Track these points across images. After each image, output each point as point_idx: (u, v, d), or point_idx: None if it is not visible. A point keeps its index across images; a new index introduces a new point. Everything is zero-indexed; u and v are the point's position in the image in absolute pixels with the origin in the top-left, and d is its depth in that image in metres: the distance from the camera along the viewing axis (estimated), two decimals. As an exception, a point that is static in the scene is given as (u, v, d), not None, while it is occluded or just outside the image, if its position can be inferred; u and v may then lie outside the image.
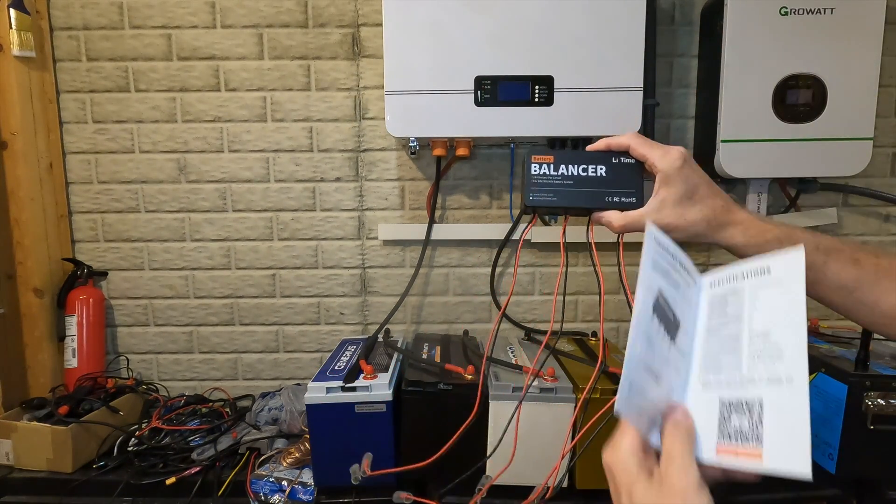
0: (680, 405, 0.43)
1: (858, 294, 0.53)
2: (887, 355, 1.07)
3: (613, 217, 0.60)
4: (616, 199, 0.61)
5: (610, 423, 0.96)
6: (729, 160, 1.21)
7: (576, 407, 0.97)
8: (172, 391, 1.42)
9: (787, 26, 1.14)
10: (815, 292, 0.55)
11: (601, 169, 0.61)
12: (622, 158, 0.61)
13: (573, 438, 0.98)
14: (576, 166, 0.61)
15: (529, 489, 1.00)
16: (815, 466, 1.08)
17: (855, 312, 0.55)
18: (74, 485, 1.06)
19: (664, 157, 0.56)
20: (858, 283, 0.53)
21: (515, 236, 1.34)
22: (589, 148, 0.62)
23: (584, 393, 0.96)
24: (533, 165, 0.62)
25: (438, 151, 1.21)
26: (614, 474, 0.41)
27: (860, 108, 1.18)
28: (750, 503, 1.03)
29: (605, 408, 0.98)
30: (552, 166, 0.62)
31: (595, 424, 0.98)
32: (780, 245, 0.52)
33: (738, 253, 0.56)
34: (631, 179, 0.61)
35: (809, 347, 1.13)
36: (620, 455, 0.40)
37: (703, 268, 1.38)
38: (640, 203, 0.61)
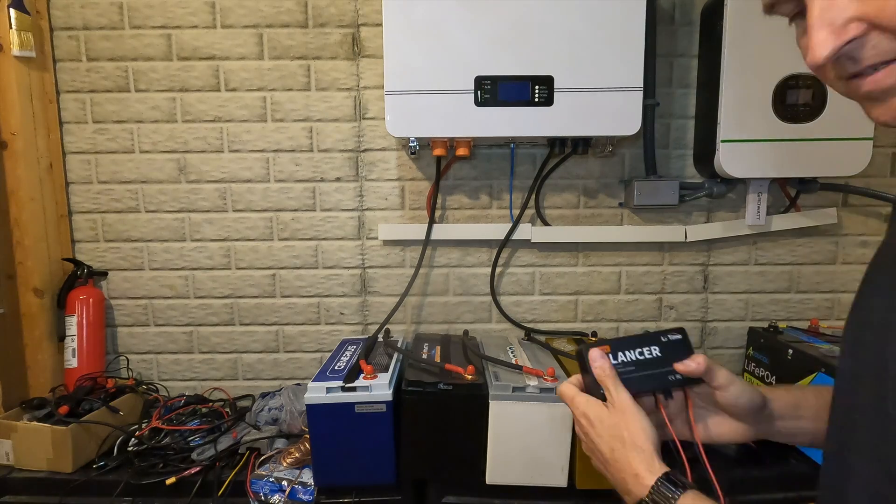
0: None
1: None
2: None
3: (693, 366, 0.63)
4: (678, 375, 0.63)
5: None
6: (729, 160, 1.21)
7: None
8: (172, 391, 1.42)
9: (788, 26, 1.14)
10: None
11: (655, 349, 0.64)
12: (669, 336, 0.64)
13: (573, 438, 0.99)
14: (632, 352, 0.63)
15: (529, 489, 1.00)
16: (816, 466, 1.08)
17: None
18: (74, 485, 1.06)
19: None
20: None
21: (515, 236, 1.34)
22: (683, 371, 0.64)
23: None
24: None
25: (438, 151, 1.21)
26: (588, 414, 0.60)
27: (860, 108, 1.18)
28: (749, 503, 1.03)
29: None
30: (610, 356, 0.63)
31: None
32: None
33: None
34: (684, 353, 0.63)
35: (809, 348, 1.14)
36: (578, 394, 0.63)
37: (704, 267, 1.39)
38: (700, 379, 0.62)
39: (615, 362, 0.62)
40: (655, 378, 0.62)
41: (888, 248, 0.45)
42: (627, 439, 0.56)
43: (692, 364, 0.61)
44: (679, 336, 0.64)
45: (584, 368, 0.63)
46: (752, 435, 0.63)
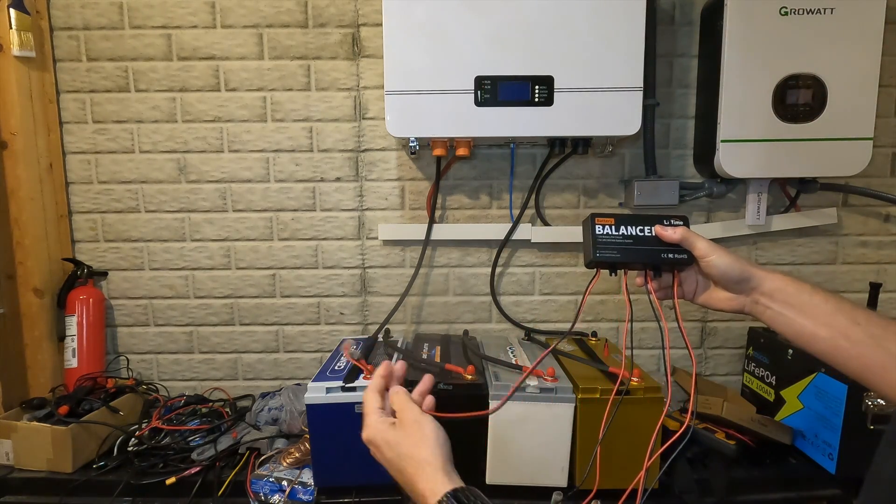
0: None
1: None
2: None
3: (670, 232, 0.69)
4: (670, 255, 0.69)
5: (611, 423, 0.96)
6: (729, 160, 1.21)
7: (575, 407, 0.97)
8: (172, 391, 1.42)
9: (787, 26, 1.14)
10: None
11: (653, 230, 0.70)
12: (672, 221, 0.70)
13: (573, 438, 0.99)
14: (634, 227, 0.70)
15: (529, 489, 1.00)
16: (815, 466, 1.08)
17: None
18: (74, 485, 1.06)
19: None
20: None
21: (515, 236, 1.34)
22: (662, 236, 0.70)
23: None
24: (597, 226, 0.71)
25: (438, 151, 1.21)
26: (374, 439, 0.59)
27: (860, 108, 1.18)
28: (749, 503, 1.03)
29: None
30: (613, 227, 0.70)
31: (595, 424, 0.98)
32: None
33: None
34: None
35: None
36: (370, 414, 0.61)
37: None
38: (690, 260, 0.68)
39: (616, 233, 0.70)
40: (648, 254, 0.69)
41: None
42: (413, 457, 0.55)
43: (669, 231, 0.67)
44: (681, 223, 0.70)
45: (587, 231, 0.71)
46: (739, 306, 0.68)
